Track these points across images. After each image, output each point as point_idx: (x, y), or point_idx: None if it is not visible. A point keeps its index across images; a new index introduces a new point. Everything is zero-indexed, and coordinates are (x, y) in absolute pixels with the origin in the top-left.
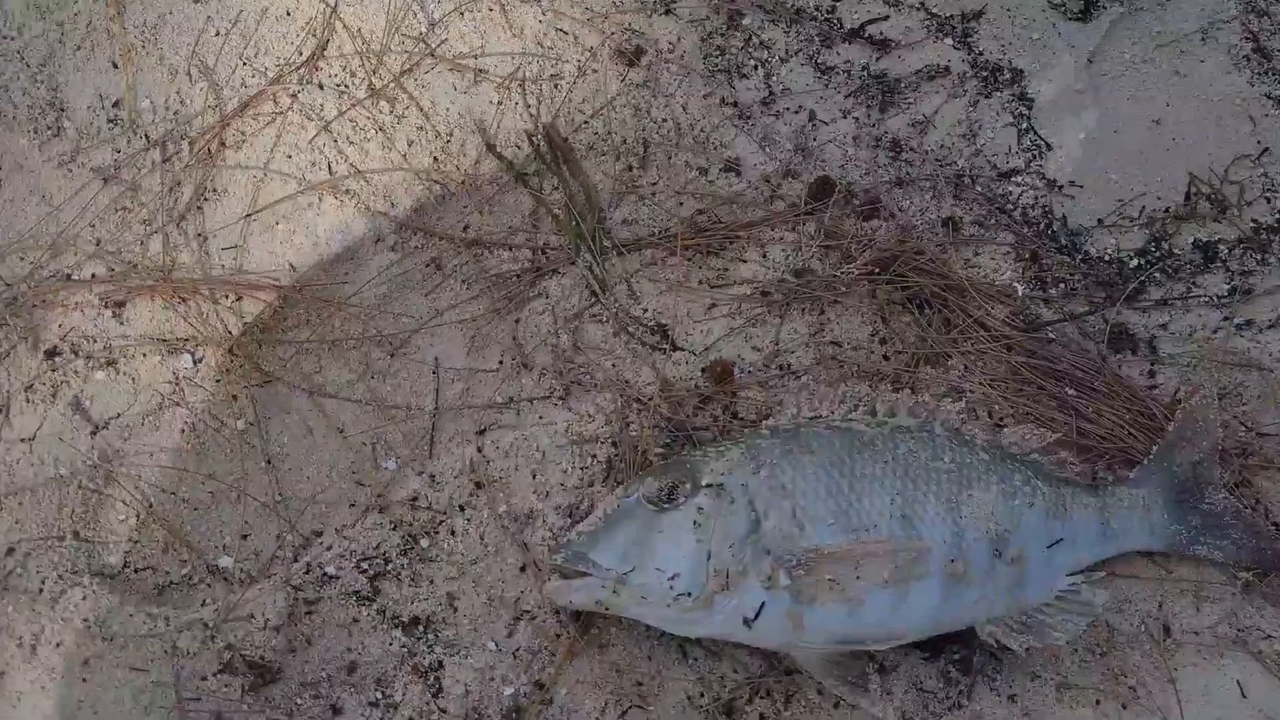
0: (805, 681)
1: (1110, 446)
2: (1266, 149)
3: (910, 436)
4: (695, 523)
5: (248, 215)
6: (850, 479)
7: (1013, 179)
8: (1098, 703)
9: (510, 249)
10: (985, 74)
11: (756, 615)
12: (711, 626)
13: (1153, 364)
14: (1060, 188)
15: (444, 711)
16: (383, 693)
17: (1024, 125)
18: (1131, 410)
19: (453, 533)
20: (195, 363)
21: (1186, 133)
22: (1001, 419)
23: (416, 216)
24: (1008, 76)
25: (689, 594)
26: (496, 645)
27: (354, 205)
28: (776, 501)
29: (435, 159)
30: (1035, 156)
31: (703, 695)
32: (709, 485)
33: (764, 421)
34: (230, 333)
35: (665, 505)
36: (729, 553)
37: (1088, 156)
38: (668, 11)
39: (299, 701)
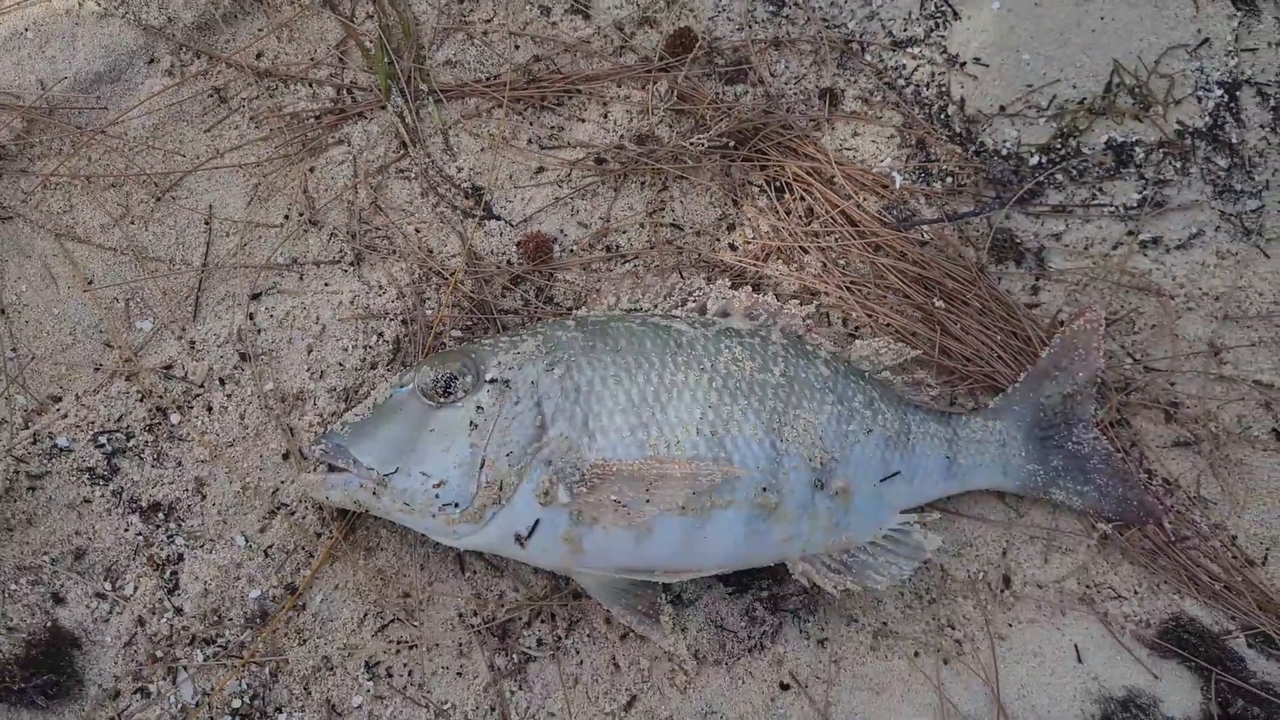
0: (593, 607)
1: (975, 370)
2: (1206, 39)
3: (739, 341)
4: (472, 423)
5: None
6: (657, 386)
7: (909, 49)
8: (916, 655)
9: (310, 84)
10: None
11: (530, 533)
12: (480, 541)
13: (1038, 278)
14: (962, 65)
15: (179, 611)
16: (112, 584)
17: None
18: (1005, 330)
19: (209, 409)
20: None
21: (1118, 12)
22: (856, 329)
23: (200, 35)
24: None
25: (455, 504)
26: (246, 540)
27: (123, 15)
28: (567, 405)
29: None
30: (938, 25)
31: (476, 614)
32: (493, 380)
33: (574, 311)
34: None
35: (441, 400)
36: (505, 461)
37: (999, 30)
38: None
39: (14, 587)
